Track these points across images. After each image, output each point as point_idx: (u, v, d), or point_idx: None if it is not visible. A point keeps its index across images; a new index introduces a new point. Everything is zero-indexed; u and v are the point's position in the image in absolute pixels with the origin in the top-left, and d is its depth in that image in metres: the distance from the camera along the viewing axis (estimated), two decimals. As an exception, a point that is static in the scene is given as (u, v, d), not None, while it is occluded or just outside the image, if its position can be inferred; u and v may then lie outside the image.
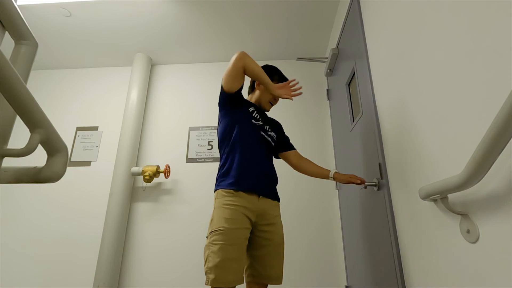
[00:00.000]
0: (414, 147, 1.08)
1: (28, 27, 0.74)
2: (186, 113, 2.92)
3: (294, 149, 1.61)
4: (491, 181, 0.68)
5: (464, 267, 0.79)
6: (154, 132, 2.89)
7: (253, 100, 1.52)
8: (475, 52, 0.73)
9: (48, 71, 3.23)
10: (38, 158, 1.08)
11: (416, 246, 1.08)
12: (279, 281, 1.26)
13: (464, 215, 0.77)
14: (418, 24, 1.04)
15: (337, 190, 2.36)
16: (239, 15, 2.49)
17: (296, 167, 1.58)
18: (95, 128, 2.95)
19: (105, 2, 2.36)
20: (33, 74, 3.17)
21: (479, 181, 0.65)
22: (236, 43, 2.84)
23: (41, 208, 2.66)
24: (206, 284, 1.11)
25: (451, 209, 0.79)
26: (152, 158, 2.77)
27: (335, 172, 1.48)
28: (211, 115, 2.86)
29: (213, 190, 1.34)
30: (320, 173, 1.52)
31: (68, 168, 2.78)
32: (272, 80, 1.43)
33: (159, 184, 2.66)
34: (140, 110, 2.83)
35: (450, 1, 0.84)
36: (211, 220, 1.23)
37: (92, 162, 2.81)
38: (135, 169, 2.56)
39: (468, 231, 0.75)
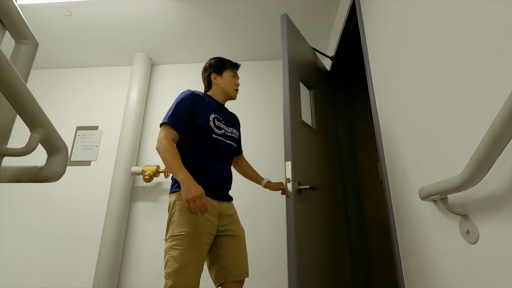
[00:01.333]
0: (414, 148, 1.08)
1: (29, 26, 0.74)
2: (186, 113, 2.91)
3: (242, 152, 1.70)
4: (491, 181, 0.67)
5: (463, 267, 0.79)
6: (154, 132, 2.89)
7: (216, 96, 1.49)
8: (476, 52, 0.73)
9: (49, 70, 3.23)
10: (38, 157, 1.08)
11: (416, 247, 1.08)
12: (247, 274, 1.30)
13: (463, 215, 0.77)
14: (419, 23, 1.04)
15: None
16: (238, 15, 2.49)
17: (237, 167, 1.66)
18: (95, 128, 2.95)
19: (105, 2, 2.37)
20: (33, 73, 3.17)
21: (479, 181, 0.65)
22: (235, 43, 2.84)
23: (41, 208, 2.66)
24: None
25: (451, 210, 0.79)
26: (152, 158, 2.77)
27: (267, 181, 1.59)
28: (211, 115, 2.86)
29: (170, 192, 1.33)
30: (255, 179, 1.63)
31: (68, 168, 2.78)
32: (224, 68, 1.50)
33: (159, 184, 2.66)
34: (140, 109, 2.83)
35: (451, 1, 0.84)
36: (172, 222, 1.21)
37: (92, 162, 2.81)
38: (135, 168, 2.56)
39: (467, 232, 0.75)
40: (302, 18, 2.51)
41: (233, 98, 1.52)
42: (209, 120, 1.35)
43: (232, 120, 1.53)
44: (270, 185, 1.58)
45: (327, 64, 2.68)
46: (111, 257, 2.32)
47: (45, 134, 0.65)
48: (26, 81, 0.72)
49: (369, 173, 2.24)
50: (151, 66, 3.13)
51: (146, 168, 2.53)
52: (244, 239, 1.36)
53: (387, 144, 1.37)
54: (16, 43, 0.73)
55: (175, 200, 1.25)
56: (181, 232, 1.16)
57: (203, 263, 1.19)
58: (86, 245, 2.50)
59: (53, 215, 2.63)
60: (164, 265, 1.16)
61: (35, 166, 0.70)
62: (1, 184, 2.68)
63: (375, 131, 1.47)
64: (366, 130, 2.35)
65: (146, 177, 2.48)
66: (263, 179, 1.60)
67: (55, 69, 3.23)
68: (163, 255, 1.18)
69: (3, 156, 0.65)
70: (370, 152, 2.25)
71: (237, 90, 1.52)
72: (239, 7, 2.40)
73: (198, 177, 1.18)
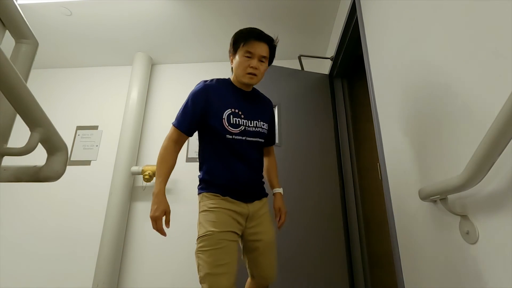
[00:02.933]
0: (414, 148, 1.08)
1: (29, 26, 0.74)
2: (186, 113, 2.91)
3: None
4: (491, 182, 0.68)
5: (463, 268, 0.79)
6: (154, 132, 2.89)
7: (235, 82, 1.29)
8: (476, 53, 0.73)
9: (49, 70, 3.23)
10: (38, 157, 1.08)
11: (416, 247, 1.08)
12: (272, 279, 1.25)
13: (463, 216, 0.77)
14: (419, 23, 1.04)
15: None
16: (239, 15, 2.49)
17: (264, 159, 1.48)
18: (95, 127, 2.95)
19: (105, 1, 2.36)
20: (33, 72, 3.17)
21: (479, 182, 0.65)
22: (236, 43, 2.84)
23: (41, 207, 2.66)
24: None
25: (451, 210, 0.80)
26: (152, 158, 2.77)
27: (278, 192, 1.39)
28: (211, 115, 2.86)
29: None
30: (270, 182, 1.43)
31: (68, 167, 2.78)
32: (238, 47, 1.22)
33: (159, 183, 2.65)
34: (140, 109, 2.83)
35: (451, 1, 0.84)
36: (198, 223, 1.17)
37: (92, 161, 2.81)
38: (135, 168, 2.56)
39: (467, 232, 0.76)
40: (302, 18, 2.51)
41: (246, 83, 1.25)
42: (222, 118, 1.19)
43: (258, 110, 1.31)
44: (275, 200, 1.38)
45: (327, 65, 2.68)
46: (111, 256, 2.32)
47: (45, 134, 0.65)
48: (26, 80, 0.72)
49: (369, 173, 2.24)
50: (151, 66, 3.13)
51: (146, 168, 2.53)
52: (272, 242, 1.25)
53: (387, 144, 1.37)
54: (16, 42, 0.73)
55: (199, 202, 1.21)
56: (206, 232, 1.10)
57: (236, 260, 1.11)
58: (86, 244, 2.50)
59: (53, 214, 2.63)
60: (197, 269, 1.09)
61: (35, 166, 0.70)
62: (1, 183, 2.68)
63: (375, 131, 1.47)
64: (366, 130, 2.35)
65: (146, 176, 2.48)
66: (276, 186, 1.41)
67: (55, 69, 3.23)
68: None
69: (3, 155, 0.65)
70: (370, 152, 2.25)
71: (251, 73, 1.21)
72: (239, 7, 2.40)
73: (219, 181, 1.16)
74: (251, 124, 1.24)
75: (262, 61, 1.23)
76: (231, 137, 1.19)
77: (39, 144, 0.70)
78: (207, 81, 1.26)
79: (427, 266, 0.99)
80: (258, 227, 1.22)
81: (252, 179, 1.25)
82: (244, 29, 1.25)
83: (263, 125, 1.29)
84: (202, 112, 1.20)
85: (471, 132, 0.74)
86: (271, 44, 1.26)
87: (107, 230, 2.38)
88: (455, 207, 0.81)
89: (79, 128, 2.96)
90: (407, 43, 1.13)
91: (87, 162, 2.81)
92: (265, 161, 1.42)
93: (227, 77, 1.32)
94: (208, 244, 1.08)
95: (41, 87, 3.14)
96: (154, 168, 2.50)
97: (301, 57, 2.52)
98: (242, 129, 1.22)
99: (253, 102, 1.31)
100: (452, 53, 0.83)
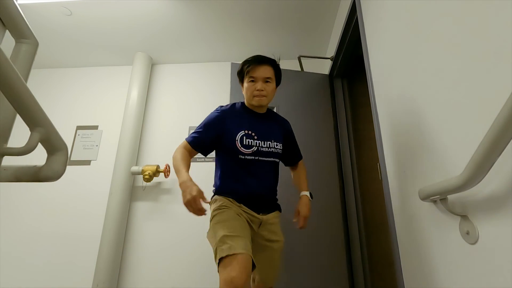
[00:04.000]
0: (414, 148, 1.08)
1: (29, 25, 0.74)
2: (186, 113, 2.92)
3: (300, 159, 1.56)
4: (491, 182, 0.67)
5: (463, 268, 0.79)
6: (154, 132, 2.89)
7: (248, 105, 1.39)
8: (476, 54, 0.73)
9: (49, 70, 3.23)
10: (38, 157, 1.08)
11: (416, 247, 1.08)
12: (271, 283, 1.30)
13: (463, 216, 0.77)
14: (419, 22, 1.04)
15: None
16: (239, 15, 2.49)
17: (292, 169, 1.57)
18: (95, 127, 2.95)
19: (105, 1, 2.36)
20: (33, 72, 3.16)
21: (479, 182, 0.65)
22: (236, 43, 2.84)
23: (41, 207, 2.66)
24: (219, 258, 1.02)
25: (451, 210, 0.79)
26: (152, 158, 2.77)
27: (304, 195, 1.41)
28: (211, 115, 2.86)
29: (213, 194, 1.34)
30: (298, 186, 1.47)
31: (68, 167, 2.77)
32: (243, 76, 1.34)
33: (159, 183, 2.66)
34: (140, 109, 2.83)
35: (452, 1, 0.84)
36: (210, 228, 1.20)
37: (92, 161, 2.81)
38: (135, 168, 2.56)
39: (467, 233, 0.75)
40: (302, 18, 2.51)
41: (256, 105, 1.35)
42: (235, 140, 1.27)
43: (272, 131, 1.38)
44: (298, 202, 1.42)
45: (327, 65, 2.68)
46: (111, 256, 2.32)
47: (45, 134, 0.65)
48: (26, 80, 0.72)
49: (369, 173, 2.24)
50: (151, 65, 3.13)
51: (146, 168, 2.53)
52: (279, 250, 1.30)
53: (387, 144, 1.37)
54: (16, 42, 0.73)
55: (210, 206, 1.29)
56: (220, 206, 1.20)
57: (248, 234, 1.16)
58: (86, 244, 2.50)
59: (52, 214, 2.63)
60: (211, 244, 1.12)
61: (35, 166, 0.70)
62: (1, 183, 2.68)
63: (375, 131, 1.47)
64: (366, 131, 2.35)
65: (146, 176, 2.48)
66: (303, 190, 1.44)
67: (55, 69, 3.23)
68: (208, 240, 1.17)
69: (3, 155, 0.65)
70: (370, 152, 2.25)
71: (257, 95, 1.31)
72: (238, 7, 2.40)
73: (233, 192, 1.25)
74: (264, 144, 1.31)
75: (268, 82, 1.32)
76: (243, 157, 1.27)
77: (40, 144, 0.70)
78: (223, 106, 1.38)
79: (427, 266, 0.99)
80: (269, 235, 1.28)
81: (263, 195, 1.32)
82: (248, 58, 1.35)
83: (277, 145, 1.35)
84: (216, 136, 1.30)
85: (471, 131, 0.74)
86: (274, 64, 1.36)
87: (107, 230, 2.38)
88: (455, 207, 0.81)
89: (79, 128, 2.96)
90: (407, 43, 1.13)
91: (87, 162, 2.81)
92: (293, 172, 1.54)
93: (242, 101, 1.44)
94: (223, 217, 1.16)
95: (41, 86, 3.14)
96: (154, 168, 2.50)
97: (301, 58, 2.52)
98: (255, 149, 1.29)
99: (267, 123, 1.39)
100: (452, 51, 0.83)
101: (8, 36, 0.73)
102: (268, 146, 1.32)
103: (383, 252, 2.06)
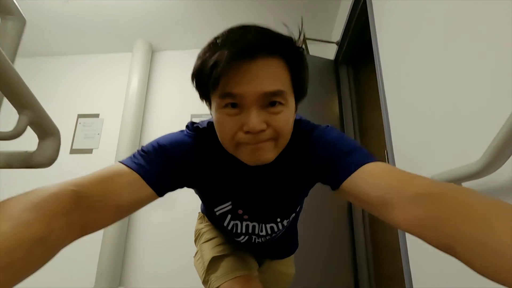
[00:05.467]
0: (423, 135, 1.03)
1: (15, 1, 0.69)
2: (188, 100, 2.86)
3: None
4: (506, 170, 0.63)
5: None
6: (156, 119, 2.85)
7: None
8: (491, 34, 0.67)
9: (47, 57, 3.17)
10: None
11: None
12: None
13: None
14: (431, 4, 0.97)
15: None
16: (242, -2, 2.40)
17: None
18: (96, 116, 2.91)
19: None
20: (30, 61, 3.13)
21: (497, 169, 0.61)
22: (239, 28, 2.76)
23: (44, 195, 2.66)
24: None
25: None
26: (154, 146, 2.74)
27: None
28: (213, 103, 2.81)
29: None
30: None
31: (70, 156, 2.76)
32: (203, 80, 0.52)
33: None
34: (141, 97, 2.78)
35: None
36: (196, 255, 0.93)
37: (93, 150, 2.79)
38: (136, 156, 2.53)
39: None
40: (306, 1, 2.41)
41: (254, 164, 0.55)
42: (213, 212, 0.71)
43: (284, 196, 0.69)
44: None
45: (332, 49, 2.60)
46: (114, 244, 2.32)
47: (34, 117, 0.61)
48: (13, 59, 0.67)
49: (374, 161, 2.19)
50: (152, 52, 3.06)
51: (148, 156, 2.50)
52: (289, 276, 1.01)
53: (395, 131, 1.32)
54: (1, 19, 0.68)
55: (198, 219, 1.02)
56: (200, 228, 0.94)
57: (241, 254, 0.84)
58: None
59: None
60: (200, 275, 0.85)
61: (26, 151, 0.66)
62: (2, 174, 2.67)
63: (383, 118, 1.42)
64: (372, 118, 2.29)
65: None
66: None
67: (54, 56, 3.18)
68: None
69: (-9, 139, 0.62)
70: (377, 140, 2.19)
71: (250, 145, 0.52)
72: (241, -10, 2.31)
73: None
74: (261, 230, 0.74)
75: (273, 104, 0.51)
76: (228, 230, 0.76)
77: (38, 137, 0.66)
78: (189, 133, 0.63)
79: (435, 263, 0.96)
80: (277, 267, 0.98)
81: (267, 252, 0.92)
82: (220, 34, 0.52)
83: (285, 221, 0.74)
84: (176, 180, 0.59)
85: (484, 117, 0.69)
86: (289, 53, 0.53)
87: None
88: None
89: (80, 116, 2.93)
90: (418, 24, 1.07)
91: (88, 151, 2.79)
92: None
93: None
94: (211, 236, 0.88)
95: (40, 75, 3.09)
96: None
97: (306, 40, 2.44)
98: (246, 238, 0.76)
99: (274, 181, 0.66)
100: (466, 33, 0.77)
101: (-6, 14, 0.69)
102: (267, 232, 0.75)
103: (388, 240, 2.04)
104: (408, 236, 1.18)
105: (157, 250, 2.44)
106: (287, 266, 0.99)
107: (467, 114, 0.78)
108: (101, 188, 0.46)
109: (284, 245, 0.91)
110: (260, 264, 0.92)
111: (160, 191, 0.53)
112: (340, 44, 2.34)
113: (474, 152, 0.66)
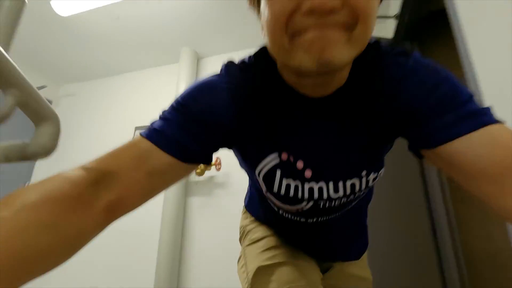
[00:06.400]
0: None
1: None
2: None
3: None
4: None
5: None
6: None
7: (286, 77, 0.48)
8: None
9: (104, 79, 3.46)
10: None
11: None
12: None
13: None
14: None
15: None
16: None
17: None
18: (151, 127, 3.03)
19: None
20: (91, 83, 3.46)
21: None
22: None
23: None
24: None
25: None
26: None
27: None
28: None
29: None
30: None
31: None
32: None
33: (212, 177, 2.57)
34: (189, 104, 2.79)
35: None
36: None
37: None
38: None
39: None
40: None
41: (310, 69, 0.36)
42: (255, 175, 0.54)
43: (356, 143, 0.49)
44: None
45: (390, 26, 2.25)
46: (169, 254, 2.30)
47: (21, 96, 0.52)
48: (10, 40, 0.60)
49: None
50: (197, 60, 3.08)
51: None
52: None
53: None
54: (-3, -2, 0.62)
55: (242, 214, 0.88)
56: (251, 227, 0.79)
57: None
58: (144, 240, 2.54)
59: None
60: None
61: (23, 142, 0.57)
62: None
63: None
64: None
65: (198, 171, 2.40)
66: None
67: (110, 77, 3.44)
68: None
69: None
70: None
71: (310, 33, 0.33)
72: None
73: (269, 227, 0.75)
74: (337, 190, 0.52)
75: None
76: (277, 210, 0.63)
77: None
78: (226, 76, 0.51)
79: None
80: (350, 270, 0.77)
81: (333, 246, 0.72)
82: None
83: (379, 169, 0.53)
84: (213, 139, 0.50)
85: None
86: None
87: (165, 227, 2.38)
88: None
89: (137, 128, 3.06)
90: None
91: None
92: None
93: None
94: (258, 236, 0.73)
95: (99, 95, 3.38)
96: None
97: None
98: (304, 207, 0.55)
99: (345, 120, 0.47)
100: None
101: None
102: (345, 192, 0.52)
103: (487, 250, 1.60)
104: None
105: (214, 258, 2.36)
106: (362, 268, 0.77)
107: None
108: (116, 162, 0.40)
109: (353, 231, 0.72)
110: (325, 271, 0.73)
111: (185, 157, 0.45)
112: (399, 17, 2.00)
113: None
